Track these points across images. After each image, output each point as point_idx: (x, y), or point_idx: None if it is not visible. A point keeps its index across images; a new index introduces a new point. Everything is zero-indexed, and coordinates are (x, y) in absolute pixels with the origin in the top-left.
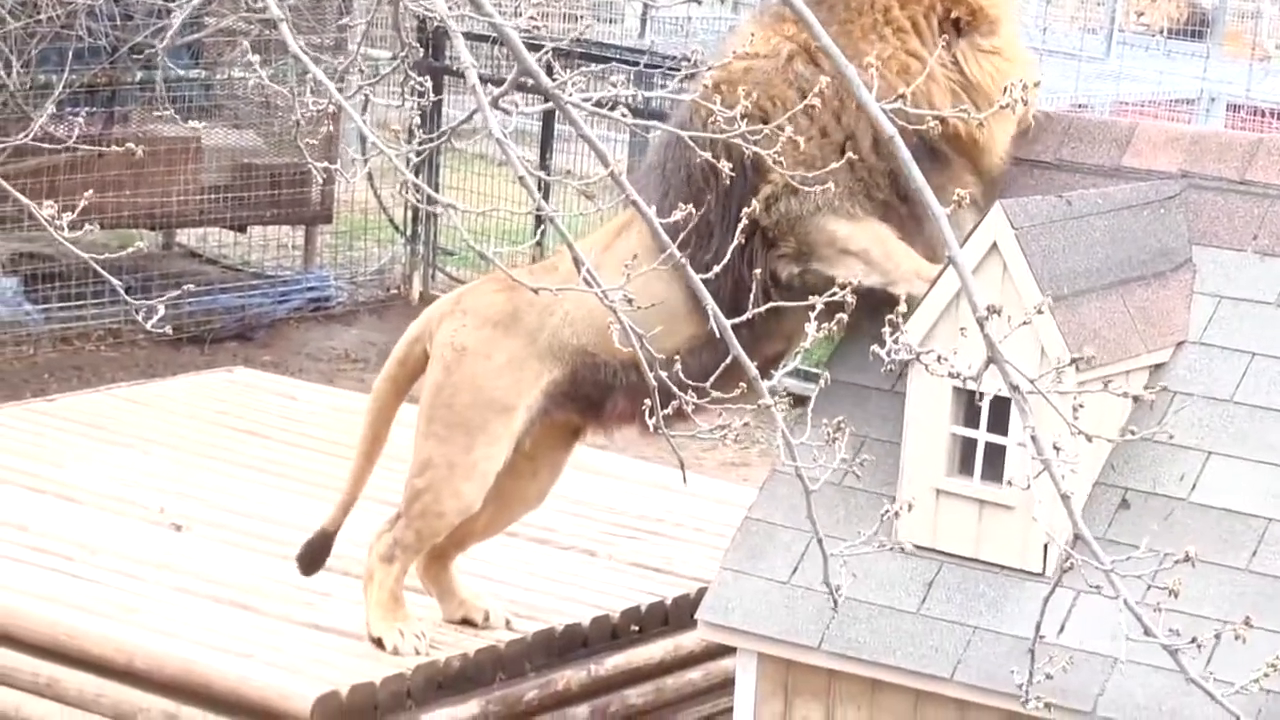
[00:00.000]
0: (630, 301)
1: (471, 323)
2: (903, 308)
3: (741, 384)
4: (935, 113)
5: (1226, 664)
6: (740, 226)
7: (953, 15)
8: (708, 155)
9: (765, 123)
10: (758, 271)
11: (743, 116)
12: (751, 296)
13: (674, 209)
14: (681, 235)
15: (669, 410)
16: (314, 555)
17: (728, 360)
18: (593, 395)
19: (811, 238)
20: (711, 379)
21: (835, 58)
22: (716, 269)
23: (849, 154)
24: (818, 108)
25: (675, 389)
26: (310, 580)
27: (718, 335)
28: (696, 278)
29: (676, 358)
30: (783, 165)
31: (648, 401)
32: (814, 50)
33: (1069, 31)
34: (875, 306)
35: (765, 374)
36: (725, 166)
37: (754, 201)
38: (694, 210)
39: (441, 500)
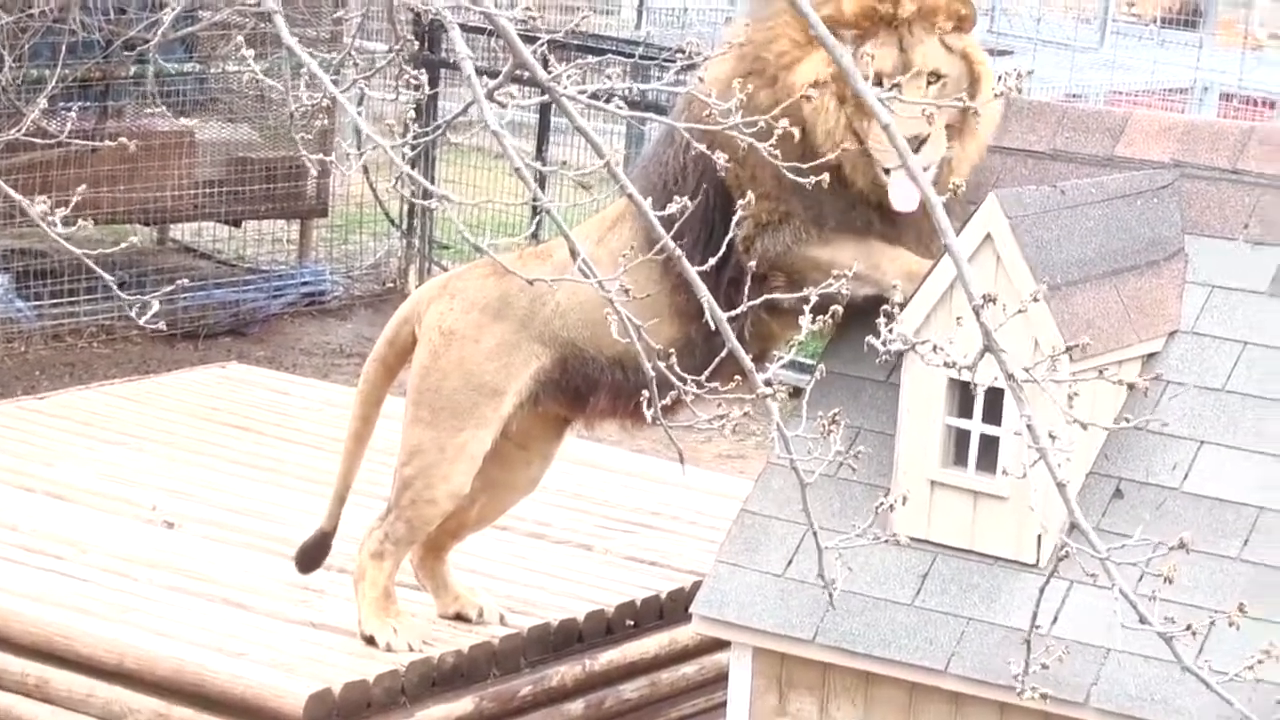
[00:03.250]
0: (627, 292)
1: (460, 306)
2: (898, 297)
3: (734, 379)
4: (942, 102)
5: (1217, 653)
6: (717, 255)
7: None
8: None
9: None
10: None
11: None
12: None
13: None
14: (675, 226)
15: (665, 401)
16: (312, 556)
17: (722, 354)
18: (580, 388)
19: (798, 267)
20: (706, 372)
21: (831, 48)
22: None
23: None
24: (757, 147)
25: (673, 379)
26: (303, 577)
27: (695, 338)
28: (691, 269)
29: (671, 355)
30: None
31: (639, 394)
32: (750, 79)
33: (1063, 21)
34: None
35: (745, 377)
36: (719, 160)
37: (735, 240)
38: (677, 213)
39: (433, 486)
